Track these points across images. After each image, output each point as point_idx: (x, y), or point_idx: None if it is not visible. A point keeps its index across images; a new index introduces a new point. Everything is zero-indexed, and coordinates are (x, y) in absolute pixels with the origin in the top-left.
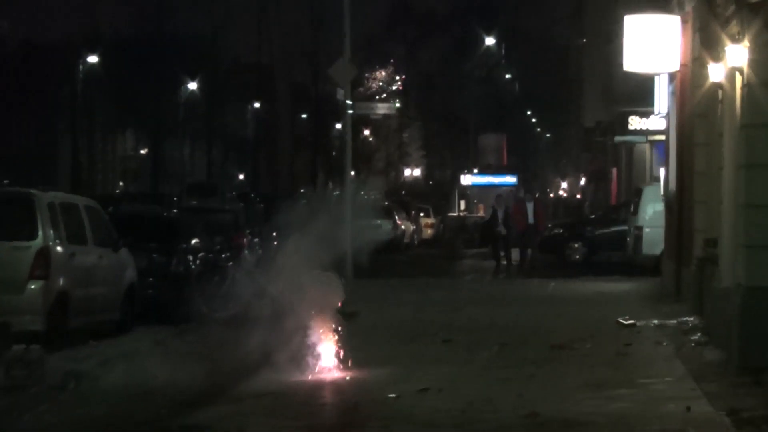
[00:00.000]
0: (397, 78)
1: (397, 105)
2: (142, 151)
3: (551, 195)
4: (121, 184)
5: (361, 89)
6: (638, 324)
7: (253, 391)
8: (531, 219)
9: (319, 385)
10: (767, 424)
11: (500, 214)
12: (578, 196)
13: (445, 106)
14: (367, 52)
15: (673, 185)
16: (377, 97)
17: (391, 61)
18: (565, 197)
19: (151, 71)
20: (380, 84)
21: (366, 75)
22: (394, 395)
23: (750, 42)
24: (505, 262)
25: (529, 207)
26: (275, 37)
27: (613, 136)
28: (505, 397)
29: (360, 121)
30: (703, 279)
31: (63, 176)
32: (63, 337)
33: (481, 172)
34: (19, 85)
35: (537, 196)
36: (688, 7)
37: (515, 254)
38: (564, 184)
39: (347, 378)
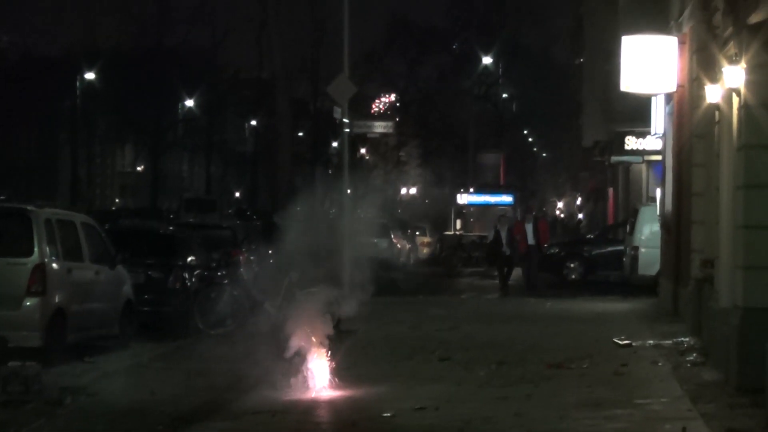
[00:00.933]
0: (387, 102)
1: (391, 123)
2: (139, 168)
3: (549, 214)
4: (117, 200)
5: (365, 111)
6: (635, 344)
7: (250, 408)
8: (531, 240)
9: (315, 403)
10: None
11: (503, 234)
12: (580, 216)
13: (443, 124)
14: (366, 69)
15: (669, 205)
16: (375, 107)
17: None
18: (562, 217)
19: (150, 85)
20: (379, 106)
21: (362, 93)
22: (390, 413)
23: (747, 63)
24: (507, 281)
25: (529, 228)
26: (276, 53)
27: (611, 156)
28: (502, 415)
29: (357, 139)
30: (701, 299)
31: (62, 190)
32: (60, 352)
33: (478, 191)
34: (19, 98)
35: (534, 213)
36: (686, 28)
37: (519, 274)
38: (560, 204)
39: (343, 396)
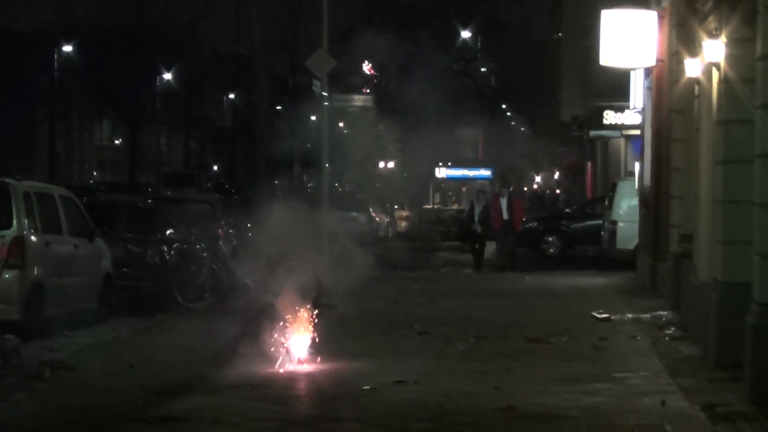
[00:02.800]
0: (368, 73)
1: (370, 97)
2: (117, 141)
3: (525, 189)
4: (95, 175)
5: (344, 86)
6: (613, 318)
7: (229, 382)
8: (506, 215)
9: (294, 377)
10: (742, 420)
11: (477, 211)
12: (558, 191)
13: (422, 99)
14: (345, 44)
15: (648, 180)
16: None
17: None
18: (541, 191)
19: (129, 60)
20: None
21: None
22: (369, 387)
23: (727, 37)
24: (481, 259)
25: (503, 203)
26: (254, 28)
27: (589, 131)
28: (482, 390)
29: (336, 113)
30: (679, 274)
31: (40, 165)
32: (38, 326)
33: (456, 165)
34: None
35: (511, 189)
36: (665, 3)
37: (493, 247)
38: (538, 178)
39: (323, 369)
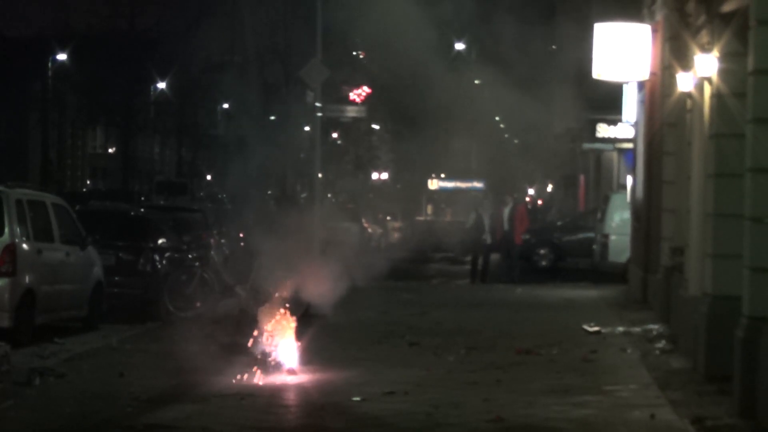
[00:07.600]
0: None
1: (364, 108)
2: (110, 150)
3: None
4: (88, 183)
5: (338, 96)
6: (604, 331)
7: (219, 391)
8: (506, 226)
9: (284, 386)
10: None
11: (486, 221)
12: (539, 202)
13: (415, 109)
14: (339, 53)
15: (640, 193)
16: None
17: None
18: (533, 203)
19: (122, 68)
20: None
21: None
22: (359, 398)
23: (720, 52)
24: (485, 272)
25: (505, 212)
26: (248, 37)
27: (582, 143)
28: (471, 401)
29: (329, 123)
30: (670, 287)
31: (33, 172)
32: (28, 333)
33: (449, 177)
34: None
35: (515, 197)
36: (659, 17)
37: (497, 258)
38: (531, 190)
39: (312, 379)
